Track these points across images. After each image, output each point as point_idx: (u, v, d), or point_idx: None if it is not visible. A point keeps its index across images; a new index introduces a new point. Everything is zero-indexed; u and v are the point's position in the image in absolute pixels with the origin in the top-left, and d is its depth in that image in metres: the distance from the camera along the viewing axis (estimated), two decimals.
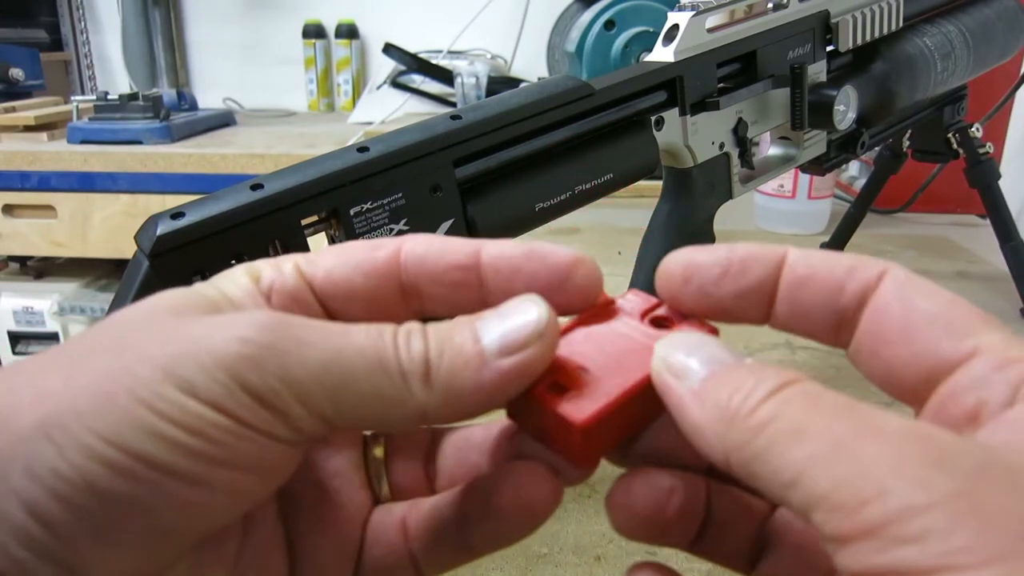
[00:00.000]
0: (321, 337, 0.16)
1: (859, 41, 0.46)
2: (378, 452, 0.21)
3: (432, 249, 0.19)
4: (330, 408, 0.16)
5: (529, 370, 0.17)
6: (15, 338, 1.30)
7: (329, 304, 0.19)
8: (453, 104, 1.38)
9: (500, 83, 1.37)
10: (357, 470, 0.21)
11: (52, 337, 1.29)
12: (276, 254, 0.28)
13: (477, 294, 0.19)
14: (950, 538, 0.12)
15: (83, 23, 1.79)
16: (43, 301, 1.27)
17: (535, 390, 0.18)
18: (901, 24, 0.49)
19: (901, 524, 0.12)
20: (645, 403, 0.18)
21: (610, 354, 0.19)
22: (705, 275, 0.19)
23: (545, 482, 0.19)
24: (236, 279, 0.18)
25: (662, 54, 0.39)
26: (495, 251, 0.19)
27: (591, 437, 0.17)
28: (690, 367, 0.17)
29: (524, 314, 0.17)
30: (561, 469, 0.19)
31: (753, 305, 0.18)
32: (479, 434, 0.21)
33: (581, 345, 0.19)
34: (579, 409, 0.17)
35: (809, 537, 0.19)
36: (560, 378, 0.18)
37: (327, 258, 0.19)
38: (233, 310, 0.17)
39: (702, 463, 0.20)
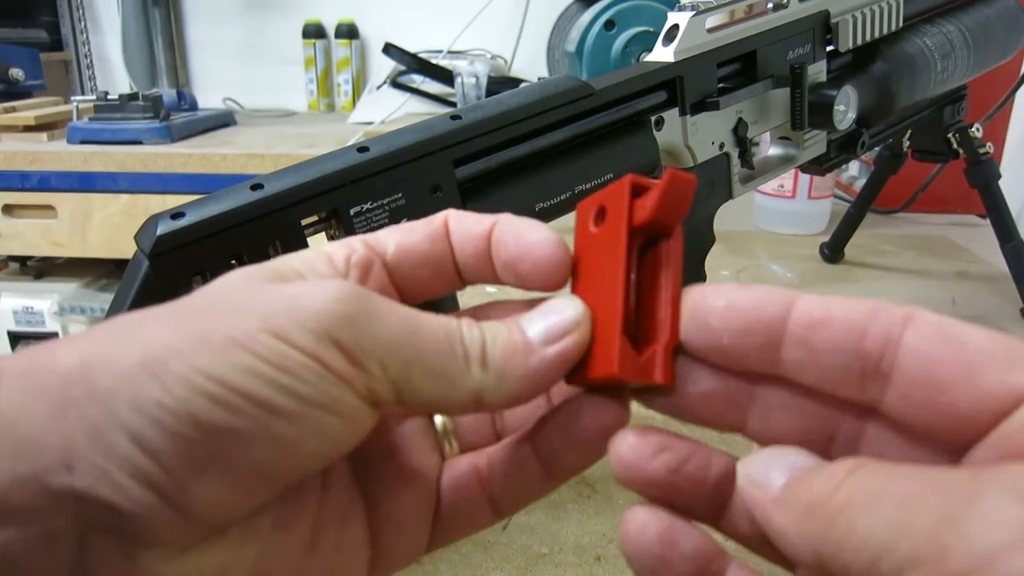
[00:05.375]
0: (401, 311, 0.18)
1: (859, 41, 0.46)
2: (438, 418, 0.23)
3: (464, 219, 0.21)
4: (402, 376, 0.18)
5: (571, 356, 0.19)
6: (15, 338, 1.30)
7: (397, 273, 0.21)
8: (453, 104, 1.38)
9: (500, 83, 1.37)
10: (425, 435, 0.23)
11: (52, 337, 1.29)
12: (276, 254, 0.28)
13: (490, 264, 0.21)
14: None
15: (83, 23, 1.79)
16: (43, 301, 1.27)
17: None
18: (901, 24, 0.49)
19: (988, 568, 0.12)
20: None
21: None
22: (710, 308, 0.18)
23: (615, 407, 0.20)
24: (306, 257, 0.20)
25: (662, 54, 0.39)
26: (502, 223, 0.21)
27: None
28: (771, 478, 0.17)
29: (563, 310, 0.20)
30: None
31: (756, 347, 0.18)
32: None
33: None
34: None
35: None
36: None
37: (393, 234, 0.21)
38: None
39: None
